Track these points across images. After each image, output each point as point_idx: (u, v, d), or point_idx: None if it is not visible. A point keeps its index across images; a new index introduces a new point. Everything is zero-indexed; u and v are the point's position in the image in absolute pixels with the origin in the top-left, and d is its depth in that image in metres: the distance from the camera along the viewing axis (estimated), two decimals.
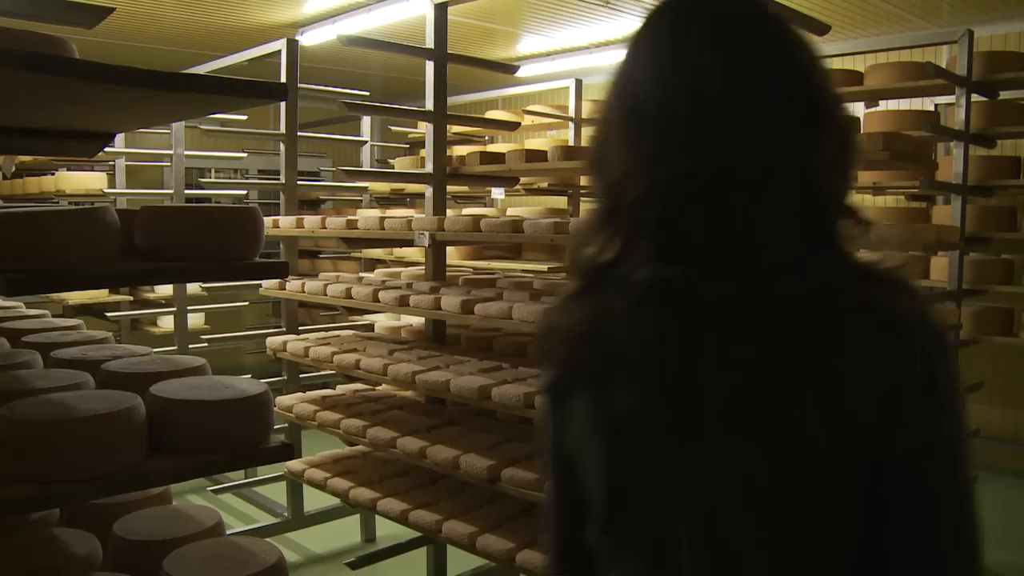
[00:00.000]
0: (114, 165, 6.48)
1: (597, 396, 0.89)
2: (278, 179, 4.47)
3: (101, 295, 6.08)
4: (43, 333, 2.47)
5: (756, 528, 0.82)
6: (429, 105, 3.48)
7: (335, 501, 3.63)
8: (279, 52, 4.40)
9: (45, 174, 6.29)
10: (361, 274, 4.16)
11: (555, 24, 5.83)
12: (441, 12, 3.45)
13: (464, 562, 3.39)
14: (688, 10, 0.86)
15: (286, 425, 3.91)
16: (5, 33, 1.48)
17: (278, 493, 4.54)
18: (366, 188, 6.24)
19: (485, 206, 7.18)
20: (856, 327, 0.79)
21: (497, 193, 7.22)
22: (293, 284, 3.66)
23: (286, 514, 4.37)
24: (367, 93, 5.17)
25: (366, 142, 6.29)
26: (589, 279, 0.90)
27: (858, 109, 5.34)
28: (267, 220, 3.79)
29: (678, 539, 0.84)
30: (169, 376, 1.90)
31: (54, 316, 2.94)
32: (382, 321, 4.16)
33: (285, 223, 3.86)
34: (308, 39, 5.80)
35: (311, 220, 3.74)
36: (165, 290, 6.08)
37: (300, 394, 3.61)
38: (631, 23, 5.64)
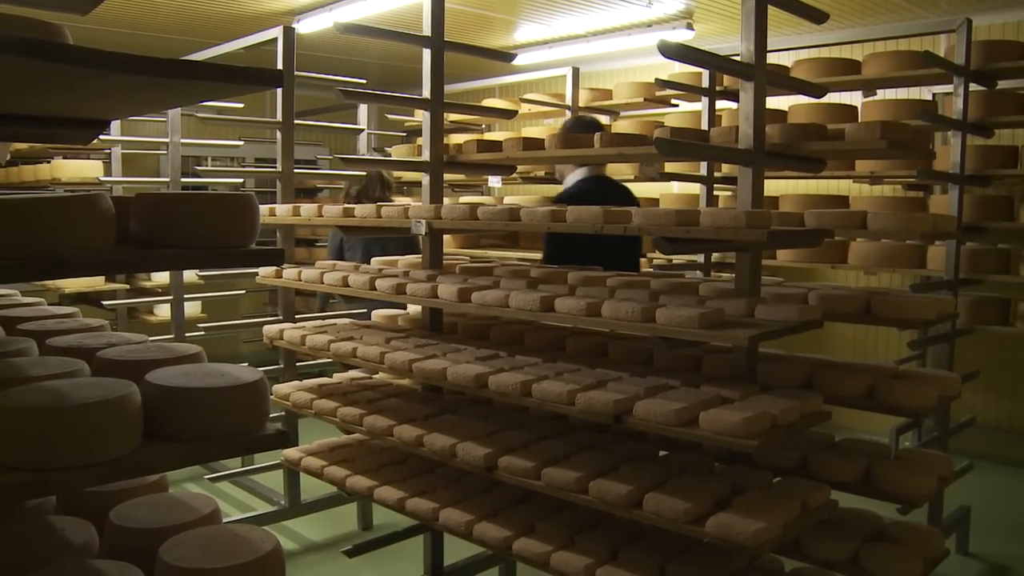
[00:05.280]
0: (110, 153, 6.48)
1: None
2: (275, 167, 4.45)
3: (97, 283, 6.08)
4: (39, 321, 2.47)
5: None
6: (426, 93, 3.47)
7: (332, 489, 3.63)
8: (276, 40, 4.37)
9: (41, 162, 6.28)
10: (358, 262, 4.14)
11: (552, 12, 5.81)
12: None
13: (461, 550, 3.40)
14: None
15: (283, 413, 3.91)
16: None
17: (275, 481, 4.55)
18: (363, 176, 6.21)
19: (482, 194, 7.17)
20: None
21: (494, 181, 7.22)
22: (289, 272, 3.65)
23: (283, 502, 4.38)
24: (364, 81, 5.16)
25: (363, 130, 6.27)
26: None
27: (856, 98, 5.34)
28: (264, 208, 3.80)
29: None
30: (165, 364, 1.90)
31: (50, 304, 2.94)
32: (379, 309, 4.15)
33: (282, 211, 3.85)
34: (305, 27, 5.78)
35: (308, 208, 3.73)
36: (162, 278, 6.08)
37: (297, 382, 3.61)
38: (628, 11, 5.63)
